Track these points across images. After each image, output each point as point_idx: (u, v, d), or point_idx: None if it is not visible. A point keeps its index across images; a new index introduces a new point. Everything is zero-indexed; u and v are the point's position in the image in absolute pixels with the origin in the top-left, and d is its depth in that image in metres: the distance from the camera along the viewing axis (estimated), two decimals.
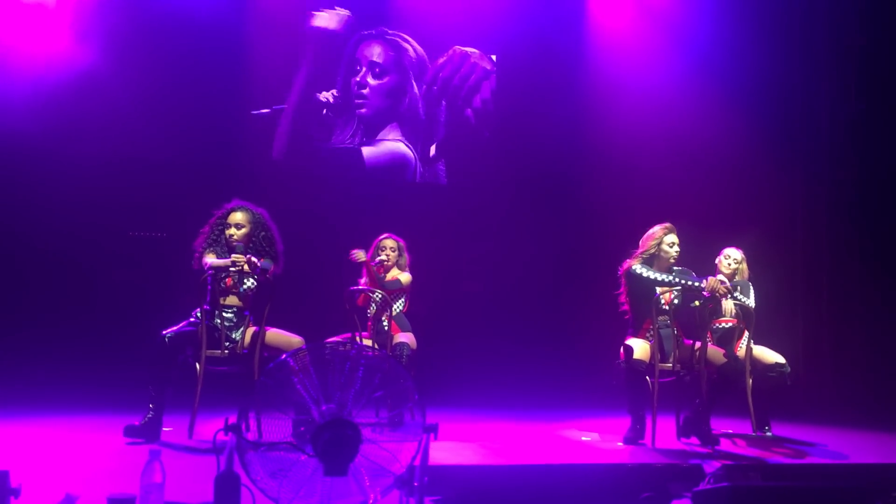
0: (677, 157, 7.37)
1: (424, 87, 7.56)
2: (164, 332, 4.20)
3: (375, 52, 7.45)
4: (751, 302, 5.04)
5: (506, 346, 7.07)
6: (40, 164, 6.36)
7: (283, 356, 2.58)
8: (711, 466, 2.66)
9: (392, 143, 7.42)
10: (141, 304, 6.21)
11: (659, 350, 4.58)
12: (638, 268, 4.68)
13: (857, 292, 6.72)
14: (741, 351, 4.94)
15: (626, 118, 7.59)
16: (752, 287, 5.14)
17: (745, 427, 4.95)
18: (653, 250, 4.74)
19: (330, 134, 7.29)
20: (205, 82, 6.82)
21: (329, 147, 7.26)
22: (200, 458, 3.69)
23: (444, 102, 7.67)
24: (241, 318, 4.43)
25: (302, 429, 2.55)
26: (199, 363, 4.23)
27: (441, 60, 7.66)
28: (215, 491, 2.40)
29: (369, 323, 5.12)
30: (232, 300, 4.42)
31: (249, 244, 4.46)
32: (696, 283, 4.57)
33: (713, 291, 4.51)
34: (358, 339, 4.88)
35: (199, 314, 4.28)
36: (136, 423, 4.08)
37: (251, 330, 4.41)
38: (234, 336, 4.39)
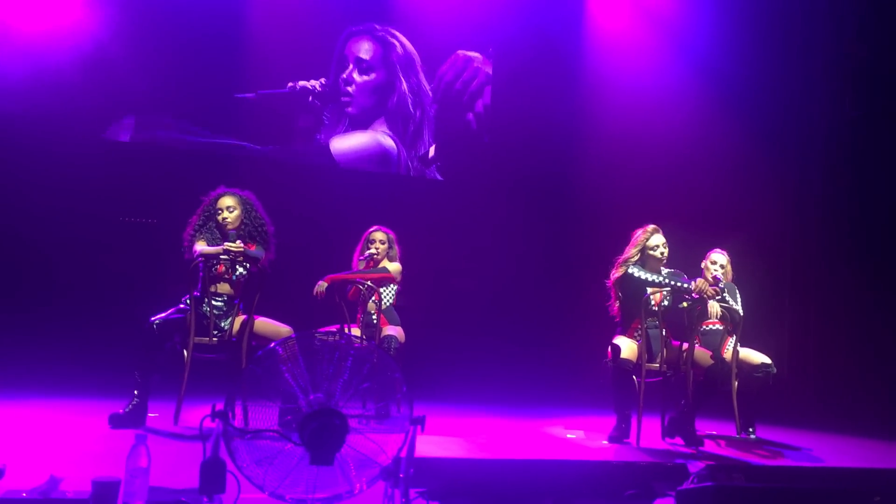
0: (670, 159, 7.40)
1: (415, 81, 7.54)
2: (152, 319, 4.19)
3: (363, 49, 7.44)
4: (737, 306, 5.07)
5: (494, 342, 7.08)
6: (29, 148, 6.32)
7: (272, 344, 2.58)
8: (695, 466, 2.67)
9: (368, 134, 7.38)
10: (130, 289, 6.19)
11: (646, 350, 4.60)
12: (632, 269, 4.69)
13: (844, 299, 6.76)
14: (728, 353, 4.97)
15: (620, 120, 7.61)
16: (738, 291, 5.16)
17: (730, 429, 4.98)
18: (636, 256, 4.74)
19: (318, 128, 7.27)
20: (197, 68, 6.81)
21: (312, 141, 7.25)
22: (186, 445, 3.69)
23: (445, 106, 7.67)
24: (230, 307, 4.42)
25: (289, 417, 2.55)
26: (187, 350, 4.22)
27: (444, 66, 7.67)
28: (201, 477, 2.40)
29: (358, 315, 5.11)
30: (223, 288, 4.41)
31: (242, 228, 4.45)
32: (686, 285, 4.59)
33: (701, 293, 4.53)
34: (347, 330, 4.87)
35: (188, 301, 4.27)
36: (121, 411, 4.07)
37: (240, 318, 4.40)
38: (222, 324, 4.38)
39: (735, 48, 7.26)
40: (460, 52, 7.73)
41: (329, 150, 7.27)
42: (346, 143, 7.33)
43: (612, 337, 4.78)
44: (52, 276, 6.30)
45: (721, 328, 5.10)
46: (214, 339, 4.32)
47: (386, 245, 5.21)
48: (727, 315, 5.05)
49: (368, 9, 7.49)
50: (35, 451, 3.39)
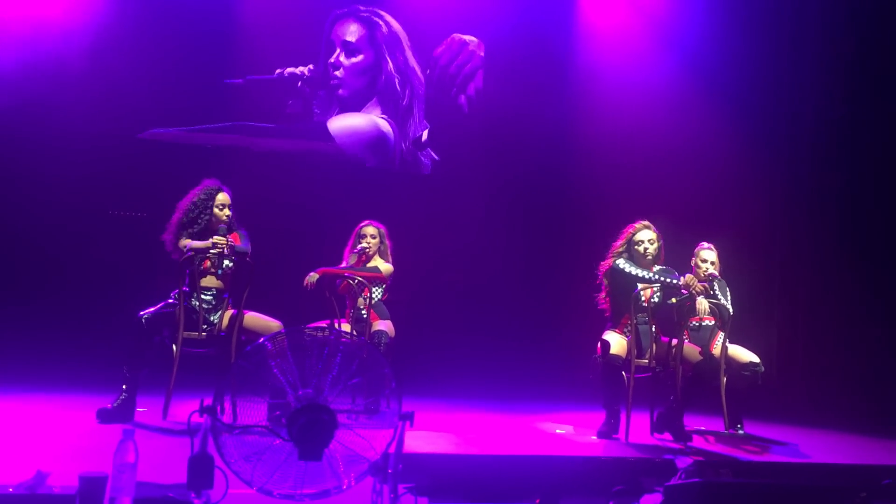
0: (660, 154, 7.39)
1: (401, 60, 7.51)
2: (141, 313, 4.18)
3: (349, 31, 7.39)
4: (727, 303, 5.08)
5: (484, 337, 7.08)
6: (15, 140, 6.28)
7: (261, 339, 2.57)
8: (684, 462, 2.68)
9: (365, 117, 7.35)
10: (118, 284, 6.16)
11: (636, 346, 4.62)
12: (621, 262, 4.71)
13: (832, 296, 6.78)
14: (716, 349, 4.98)
15: (610, 115, 7.61)
16: (727, 288, 5.17)
17: (718, 425, 5.00)
18: (623, 248, 4.78)
19: (310, 116, 7.25)
20: (183, 60, 6.79)
21: (305, 126, 7.23)
22: (174, 440, 3.68)
23: (439, 89, 7.66)
24: (219, 301, 4.41)
25: (278, 413, 2.55)
26: (176, 345, 4.20)
27: (440, 48, 7.66)
28: (188, 472, 2.39)
29: (348, 310, 5.11)
30: (211, 282, 4.40)
31: (230, 224, 4.45)
32: (675, 281, 4.60)
33: (690, 288, 4.54)
34: (336, 325, 4.86)
35: (176, 296, 4.25)
36: (109, 405, 4.05)
37: (229, 313, 4.39)
38: (212, 319, 4.37)
39: (725, 45, 7.27)
40: (456, 35, 7.72)
41: (327, 130, 7.24)
42: (343, 123, 7.29)
43: (601, 333, 4.79)
44: (40, 269, 6.26)
45: (710, 324, 5.12)
46: (203, 333, 4.31)
47: (377, 239, 5.20)
48: (716, 311, 5.07)
49: None
50: (22, 445, 3.38)
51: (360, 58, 7.38)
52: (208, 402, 2.45)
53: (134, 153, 6.60)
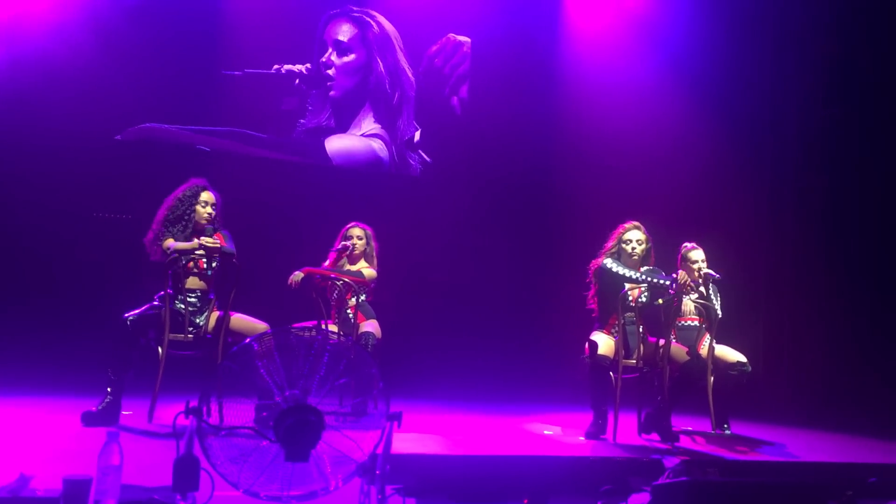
0: (646, 156, 7.43)
1: (391, 60, 7.51)
2: (126, 315, 4.14)
3: (341, 31, 7.41)
4: (717, 306, 5.09)
5: (472, 338, 7.09)
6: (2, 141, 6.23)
7: (248, 340, 2.55)
8: (671, 461, 2.68)
9: (360, 140, 7.37)
10: (103, 285, 6.12)
11: (623, 346, 4.63)
12: (609, 262, 4.73)
13: (819, 296, 6.82)
14: (704, 350, 5.00)
15: (598, 116, 7.64)
16: (718, 291, 5.18)
17: (705, 424, 5.01)
18: (615, 248, 4.82)
19: (303, 114, 7.23)
20: (175, 61, 6.74)
21: (299, 131, 7.21)
22: (160, 442, 3.65)
23: (432, 89, 7.66)
24: (205, 303, 4.38)
25: (264, 414, 2.53)
26: (162, 347, 4.17)
27: (434, 48, 7.66)
28: (174, 474, 2.37)
29: (334, 311, 5.09)
30: (196, 283, 4.37)
31: (214, 224, 4.43)
32: (664, 281, 4.61)
33: (679, 287, 4.56)
34: (324, 326, 4.85)
35: (161, 298, 4.22)
36: (94, 408, 4.02)
37: (215, 314, 4.37)
38: (197, 321, 4.34)
39: (709, 47, 7.31)
40: (451, 35, 7.73)
41: (324, 149, 7.25)
42: (340, 145, 7.31)
43: (589, 333, 4.80)
44: (23, 271, 6.20)
45: (697, 324, 5.13)
46: (189, 335, 4.29)
47: (363, 241, 5.19)
48: (703, 311, 5.08)
49: None
50: (5, 448, 3.34)
51: (351, 57, 7.39)
52: (194, 403, 2.43)
53: (118, 155, 6.55)
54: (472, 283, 7.42)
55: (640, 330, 4.70)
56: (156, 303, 4.26)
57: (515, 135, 7.78)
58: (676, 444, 4.46)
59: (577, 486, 2.71)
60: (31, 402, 4.71)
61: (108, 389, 4.06)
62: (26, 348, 5.75)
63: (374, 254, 5.23)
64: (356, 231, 5.19)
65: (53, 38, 6.40)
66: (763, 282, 7.28)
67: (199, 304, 4.36)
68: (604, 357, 4.58)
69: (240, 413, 2.56)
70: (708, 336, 5.03)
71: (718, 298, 5.14)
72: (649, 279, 4.64)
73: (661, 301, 4.69)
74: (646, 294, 4.73)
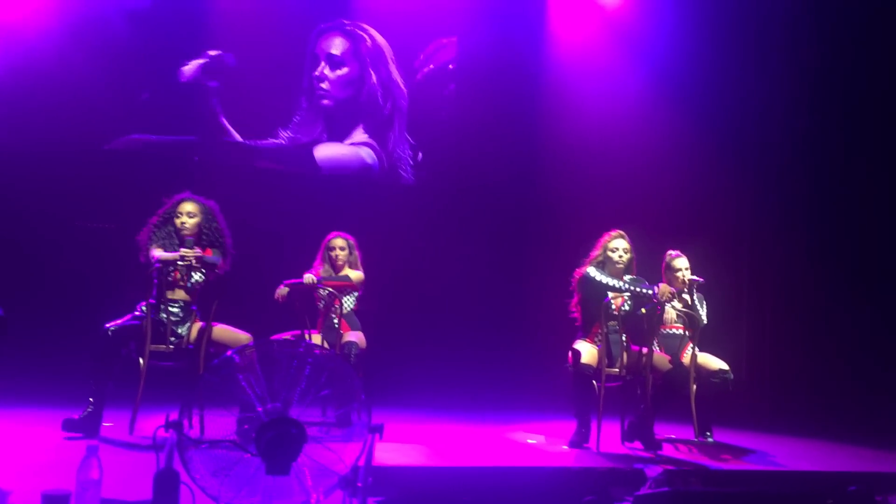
0: (630, 165, 7.46)
1: (384, 73, 7.53)
2: (107, 326, 4.11)
3: (333, 45, 7.42)
4: (702, 314, 5.11)
5: (455, 348, 7.07)
6: None
7: (229, 352, 2.54)
8: (653, 471, 2.70)
9: (349, 148, 7.38)
10: (85, 295, 6.07)
11: (606, 355, 4.64)
12: (592, 271, 4.75)
13: (800, 304, 6.86)
14: (686, 358, 5.02)
15: (583, 125, 7.66)
16: (704, 300, 5.20)
17: (688, 433, 5.03)
18: (601, 256, 4.85)
19: (295, 129, 7.23)
20: (163, 71, 6.72)
21: (292, 145, 7.21)
22: (140, 455, 3.62)
23: (422, 96, 7.68)
24: (187, 313, 4.36)
25: (246, 427, 2.52)
26: (143, 358, 4.14)
27: (421, 56, 7.69)
28: (154, 489, 2.35)
29: (319, 320, 5.07)
30: (179, 294, 4.35)
31: (201, 236, 4.40)
32: (647, 291, 4.63)
33: (662, 296, 4.58)
34: (308, 336, 4.83)
35: (144, 308, 4.20)
36: (76, 416, 3.99)
37: (197, 325, 4.34)
38: (179, 331, 4.32)
39: (693, 56, 7.35)
40: (444, 40, 7.77)
41: (313, 157, 7.25)
42: (329, 153, 7.31)
43: (572, 342, 4.81)
44: (4, 280, 6.13)
45: (681, 333, 5.14)
46: (171, 346, 4.26)
47: (346, 251, 5.17)
48: (685, 320, 5.10)
49: (338, 6, 7.47)
50: None
51: (344, 70, 7.41)
52: (174, 416, 2.41)
53: (101, 163, 6.51)
54: (456, 293, 7.41)
55: (624, 339, 4.72)
56: (137, 313, 4.23)
57: (501, 144, 7.80)
58: (659, 452, 4.47)
59: (560, 496, 2.72)
60: (9, 413, 4.66)
61: (90, 400, 4.04)
62: (6, 358, 5.68)
63: (359, 262, 5.22)
64: (338, 241, 5.17)
65: (41, 48, 6.34)
66: (746, 290, 7.31)
67: (181, 315, 4.34)
68: (587, 366, 4.59)
69: (221, 426, 2.54)
70: (691, 344, 5.05)
71: (704, 306, 5.16)
72: (632, 288, 4.66)
73: (644, 310, 4.71)
74: (629, 303, 4.76)
